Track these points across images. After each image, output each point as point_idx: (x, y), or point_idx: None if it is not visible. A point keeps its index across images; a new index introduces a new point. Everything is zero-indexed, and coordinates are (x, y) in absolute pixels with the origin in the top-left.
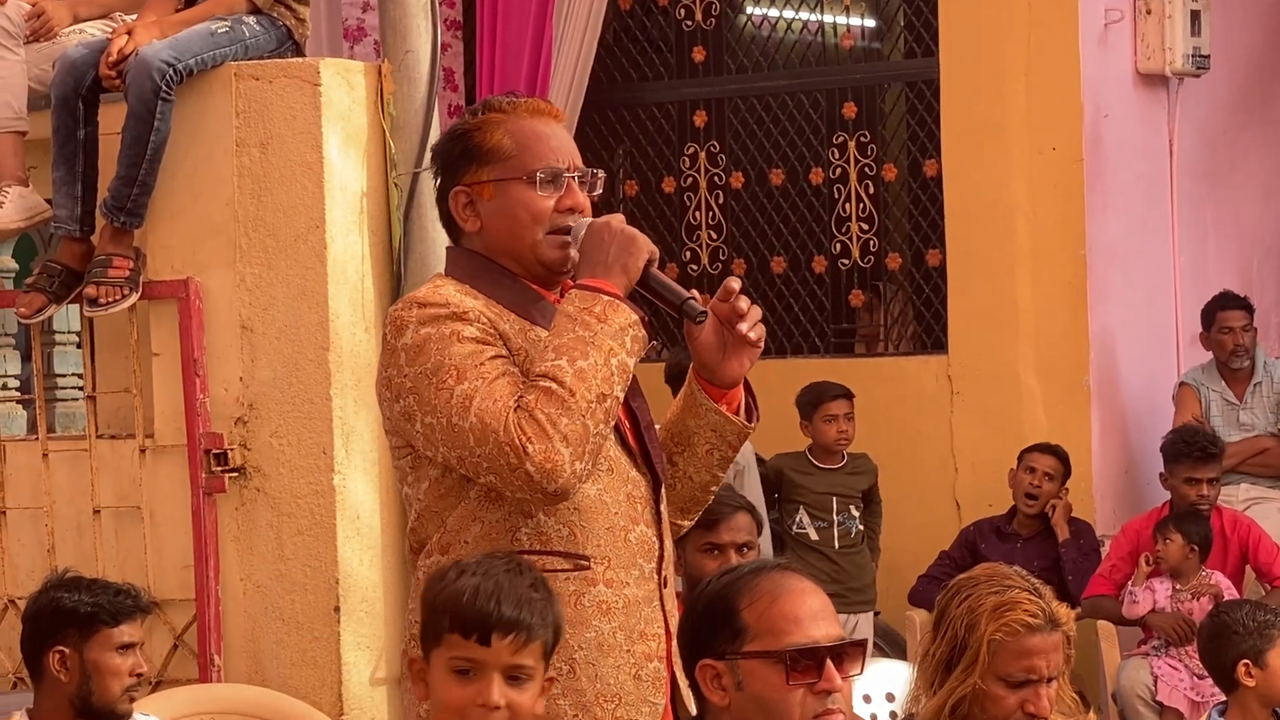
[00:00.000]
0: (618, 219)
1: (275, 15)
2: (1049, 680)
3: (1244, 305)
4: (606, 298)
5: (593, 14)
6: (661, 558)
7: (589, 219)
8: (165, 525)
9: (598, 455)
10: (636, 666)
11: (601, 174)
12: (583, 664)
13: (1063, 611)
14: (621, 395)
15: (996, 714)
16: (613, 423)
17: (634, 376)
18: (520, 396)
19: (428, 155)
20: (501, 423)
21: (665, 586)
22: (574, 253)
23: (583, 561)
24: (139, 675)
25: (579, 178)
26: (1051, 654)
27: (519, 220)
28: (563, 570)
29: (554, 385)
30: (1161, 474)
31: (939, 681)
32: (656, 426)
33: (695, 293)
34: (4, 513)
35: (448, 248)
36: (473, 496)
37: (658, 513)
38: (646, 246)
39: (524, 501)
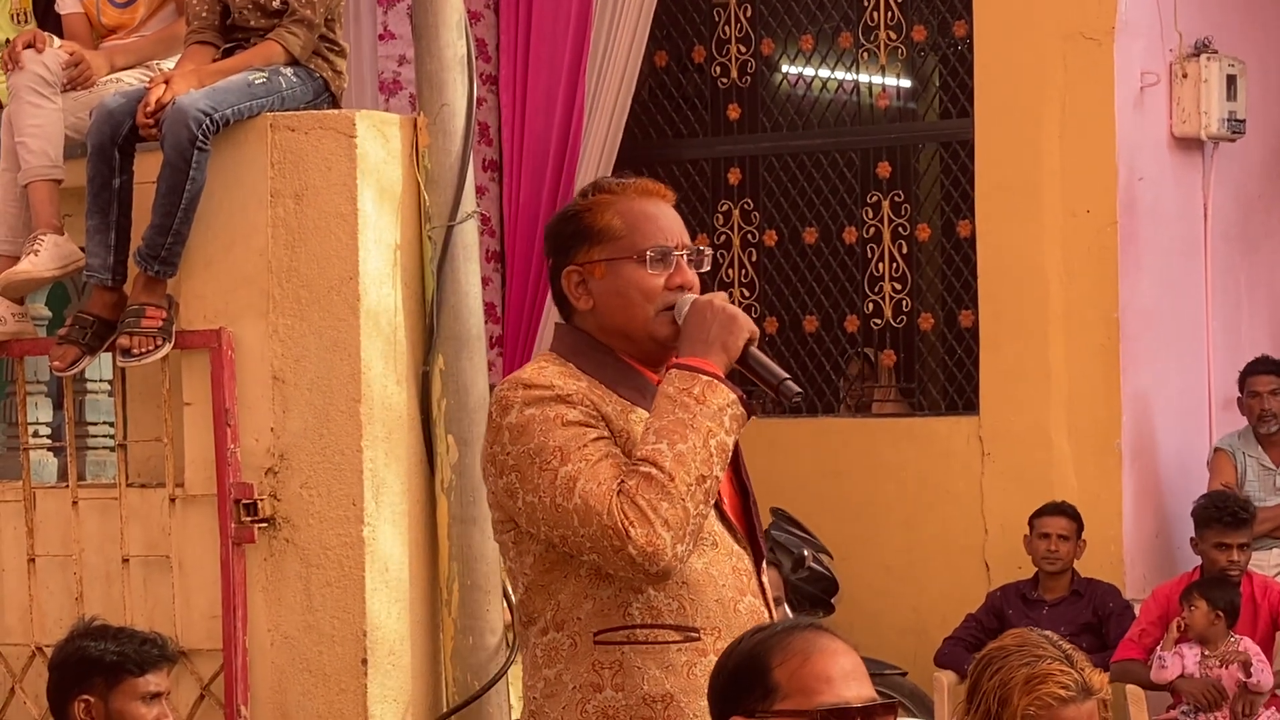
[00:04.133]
0: (720, 297)
1: (312, 67)
2: None
3: (1274, 369)
4: (705, 378)
5: (627, 70)
6: None
7: (693, 296)
8: (194, 575)
9: (698, 535)
10: None
11: (709, 251)
12: None
13: (1096, 678)
14: (721, 475)
15: None
16: (712, 501)
17: (739, 450)
18: (622, 481)
19: (462, 208)
20: (605, 506)
21: None
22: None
23: (692, 634)
24: None
25: (687, 255)
26: (1088, 718)
27: (630, 299)
28: (674, 642)
29: (654, 470)
30: (1192, 539)
31: None
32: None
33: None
34: (33, 560)
35: (557, 324)
36: (583, 574)
37: (760, 585)
38: (747, 325)
39: (629, 579)
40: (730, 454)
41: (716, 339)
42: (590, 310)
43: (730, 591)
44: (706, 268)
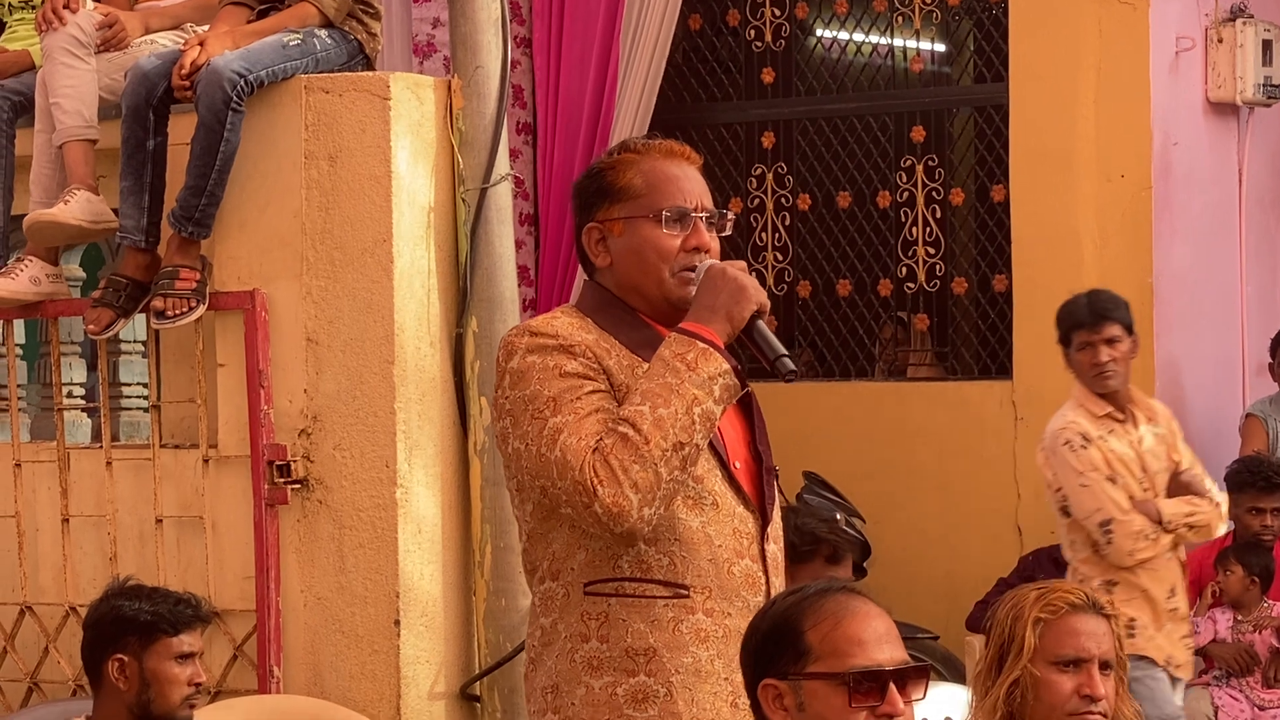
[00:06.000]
0: (736, 266)
1: (347, 29)
2: (1103, 666)
3: None
4: (702, 345)
5: (662, 34)
6: (768, 594)
7: (711, 261)
8: (227, 536)
9: (672, 500)
10: (734, 695)
11: (731, 215)
12: (680, 688)
13: (1107, 602)
14: (704, 443)
15: (1053, 701)
16: (691, 468)
17: (760, 416)
18: (600, 439)
19: (496, 170)
20: (579, 462)
21: None
22: (692, 290)
23: (681, 591)
24: (198, 685)
25: (707, 218)
26: (1100, 637)
27: (646, 258)
28: (661, 598)
29: (631, 431)
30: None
31: (993, 681)
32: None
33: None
34: (67, 520)
35: (585, 280)
36: (577, 525)
37: (763, 550)
38: (756, 297)
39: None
40: (716, 423)
41: (723, 307)
42: (609, 267)
43: (726, 553)
44: (728, 232)
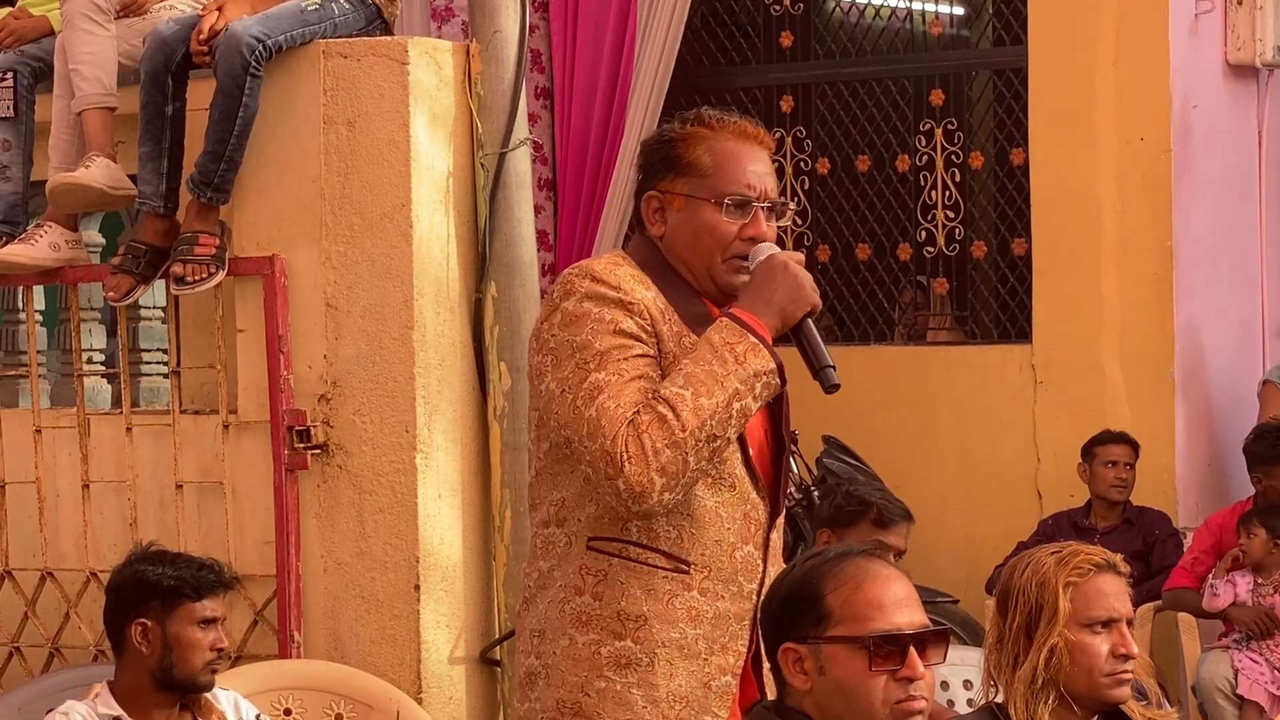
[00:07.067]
0: (797, 259)
1: None
2: (1129, 623)
3: None
4: (753, 339)
5: None
6: (763, 581)
7: (771, 246)
8: (247, 501)
9: (692, 486)
10: (709, 676)
11: (792, 206)
12: (662, 661)
13: (1120, 562)
14: (735, 436)
15: (1089, 664)
16: (718, 459)
17: (788, 404)
18: (638, 413)
19: (514, 135)
20: (614, 431)
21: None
22: (744, 278)
23: (683, 566)
24: (220, 650)
25: (768, 207)
26: (1123, 596)
27: (701, 239)
28: (662, 569)
29: (669, 414)
30: (1254, 475)
31: (1023, 649)
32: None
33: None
34: (87, 486)
35: (638, 234)
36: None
37: (768, 539)
38: (811, 298)
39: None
40: (750, 418)
41: (778, 302)
42: (661, 237)
43: (732, 536)
44: (786, 221)
